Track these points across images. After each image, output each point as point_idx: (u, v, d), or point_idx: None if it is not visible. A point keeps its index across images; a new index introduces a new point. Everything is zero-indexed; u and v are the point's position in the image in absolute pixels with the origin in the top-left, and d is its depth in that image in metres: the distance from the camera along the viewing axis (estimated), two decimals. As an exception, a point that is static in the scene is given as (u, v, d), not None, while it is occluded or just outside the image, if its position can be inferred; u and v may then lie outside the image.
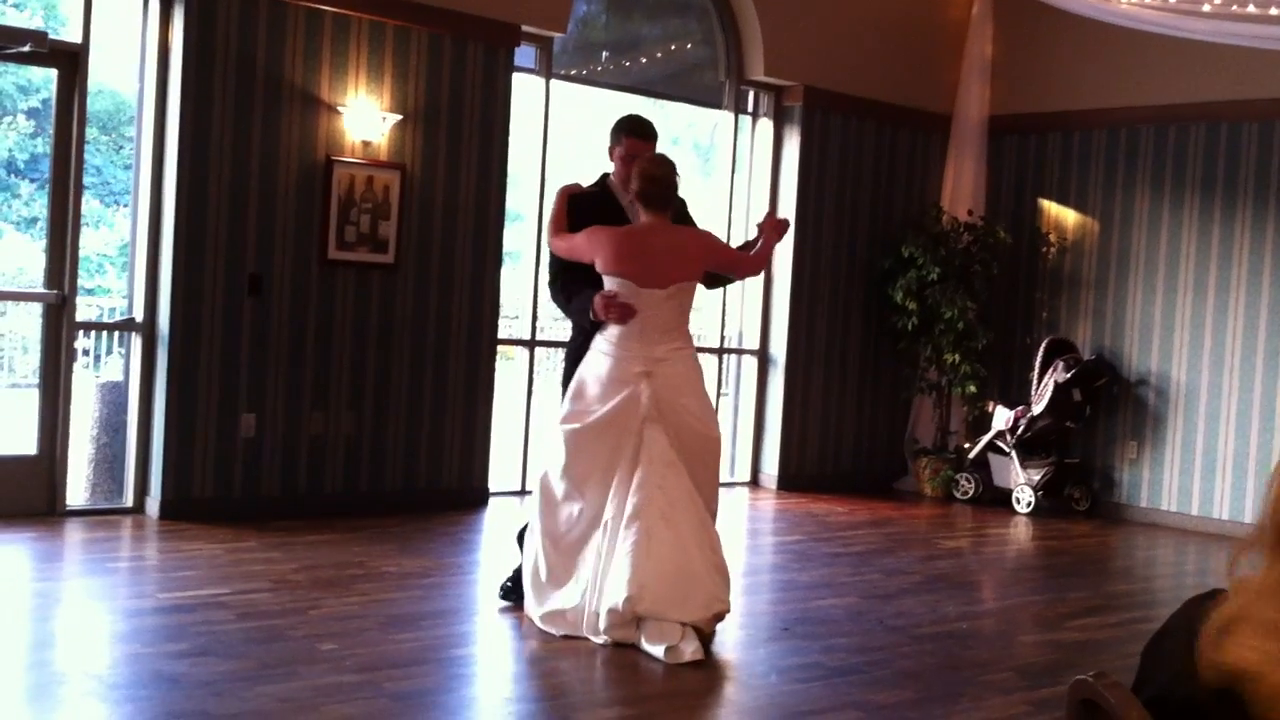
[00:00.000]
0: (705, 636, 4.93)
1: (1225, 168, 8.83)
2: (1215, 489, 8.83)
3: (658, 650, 4.75)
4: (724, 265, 5.35)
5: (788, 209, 9.35)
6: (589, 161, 7.36)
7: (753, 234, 5.75)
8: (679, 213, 5.49)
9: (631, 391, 4.97)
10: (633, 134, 5.40)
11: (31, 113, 12.45)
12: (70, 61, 6.76)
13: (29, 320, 10.49)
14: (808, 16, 9.28)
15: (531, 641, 4.99)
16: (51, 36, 6.68)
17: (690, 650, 4.75)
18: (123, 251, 9.30)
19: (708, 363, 9.87)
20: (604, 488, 4.98)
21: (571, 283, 5.29)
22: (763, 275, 9.39)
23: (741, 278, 5.89)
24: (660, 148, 5.47)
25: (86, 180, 6.97)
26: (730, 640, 5.49)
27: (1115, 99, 9.31)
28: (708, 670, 4.83)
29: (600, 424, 4.99)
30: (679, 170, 5.23)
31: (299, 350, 7.23)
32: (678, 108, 9.91)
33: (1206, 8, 7.34)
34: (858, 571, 6.77)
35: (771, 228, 5.49)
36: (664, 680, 4.74)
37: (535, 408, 8.39)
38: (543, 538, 5.08)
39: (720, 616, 5.04)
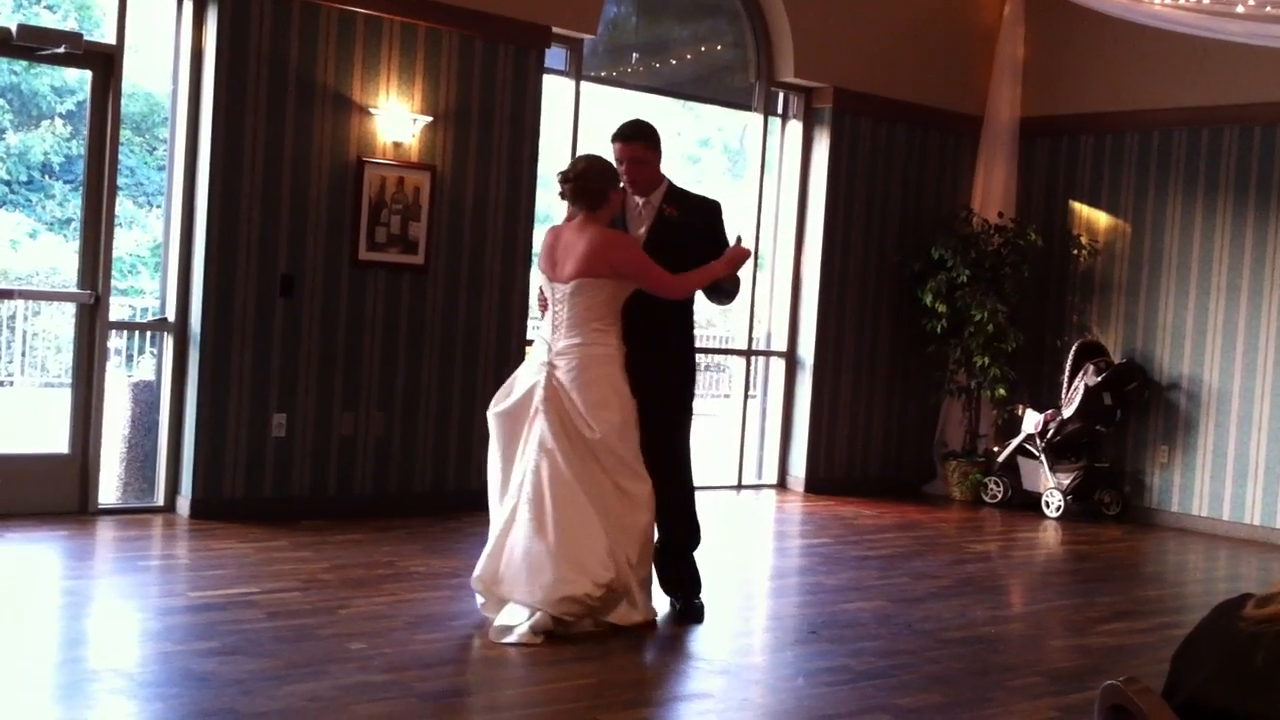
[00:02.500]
0: (566, 624, 4.97)
1: (1259, 171, 8.75)
2: (1247, 494, 8.76)
3: (495, 625, 4.94)
4: (638, 279, 5.18)
5: (817, 211, 9.35)
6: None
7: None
8: (709, 217, 5.51)
9: (535, 383, 5.18)
10: (614, 139, 5.48)
11: (67, 115, 12.57)
12: (104, 63, 6.82)
13: (62, 320, 10.59)
14: (838, 18, 9.26)
15: (560, 643, 5.00)
16: (86, 38, 6.73)
17: (519, 631, 4.85)
18: (155, 252, 9.37)
19: (735, 364, 9.91)
20: (507, 470, 5.23)
21: None
22: (790, 276, 9.40)
23: (660, 294, 5.24)
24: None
25: (120, 181, 7.03)
26: (757, 643, 5.49)
27: (1147, 101, 9.25)
28: (734, 673, 4.83)
29: (505, 410, 5.24)
30: (604, 172, 5.21)
31: (329, 351, 7.27)
32: (707, 110, 9.92)
33: (1240, 9, 7.28)
34: (885, 575, 6.75)
35: (729, 254, 5.30)
36: (691, 682, 4.74)
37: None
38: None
39: (574, 601, 4.93)
